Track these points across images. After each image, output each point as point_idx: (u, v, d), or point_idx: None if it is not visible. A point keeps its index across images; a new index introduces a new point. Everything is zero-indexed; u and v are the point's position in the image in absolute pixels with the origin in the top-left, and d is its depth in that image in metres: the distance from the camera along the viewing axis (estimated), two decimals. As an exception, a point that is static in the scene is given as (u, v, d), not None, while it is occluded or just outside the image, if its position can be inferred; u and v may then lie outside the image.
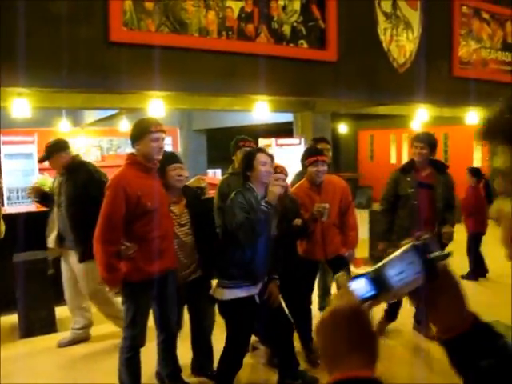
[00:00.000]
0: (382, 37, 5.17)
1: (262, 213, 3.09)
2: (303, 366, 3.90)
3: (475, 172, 6.29)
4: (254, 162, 3.27)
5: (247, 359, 3.93)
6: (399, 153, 12.96)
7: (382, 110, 7.56)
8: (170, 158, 3.51)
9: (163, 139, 3.26)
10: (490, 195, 5.94)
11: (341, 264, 4.12)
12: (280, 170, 3.77)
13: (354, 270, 4.38)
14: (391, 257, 0.90)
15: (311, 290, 4.18)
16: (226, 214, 3.26)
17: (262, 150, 3.45)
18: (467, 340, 0.83)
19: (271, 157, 3.37)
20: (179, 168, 3.47)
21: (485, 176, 6.19)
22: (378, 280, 0.89)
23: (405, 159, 12.61)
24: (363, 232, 7.48)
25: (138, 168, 3.22)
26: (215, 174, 9.15)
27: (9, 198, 7.61)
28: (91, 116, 9.15)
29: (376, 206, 9.95)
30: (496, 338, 0.80)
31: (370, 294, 0.90)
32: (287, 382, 3.66)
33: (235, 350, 3.40)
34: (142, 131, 3.24)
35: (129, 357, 3.33)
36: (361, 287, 0.91)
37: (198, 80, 4.50)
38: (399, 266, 0.88)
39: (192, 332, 3.77)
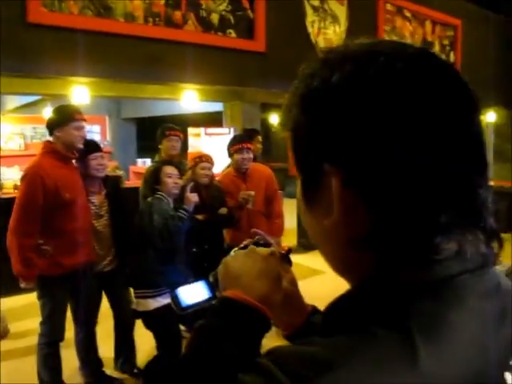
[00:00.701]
0: (309, 29, 5.27)
1: (179, 219, 3.17)
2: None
3: None
4: (160, 175, 3.33)
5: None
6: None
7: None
8: (91, 146, 3.39)
9: (84, 128, 3.18)
10: None
11: None
12: (206, 159, 3.79)
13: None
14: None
15: None
16: (143, 219, 3.23)
17: (168, 163, 3.48)
18: (303, 331, 0.90)
19: (178, 168, 3.42)
20: (100, 157, 3.37)
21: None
22: (216, 282, 0.90)
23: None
24: (292, 221, 7.64)
25: (56, 157, 3.11)
26: (145, 164, 8.98)
27: None
28: (13, 102, 8.71)
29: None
30: None
31: (208, 296, 0.92)
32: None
33: (169, 356, 3.32)
34: (64, 119, 3.12)
35: (47, 353, 3.23)
36: (197, 291, 0.93)
37: (123, 67, 4.40)
38: None
39: (114, 326, 3.72)
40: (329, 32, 5.48)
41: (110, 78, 4.64)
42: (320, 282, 4.93)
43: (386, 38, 6.23)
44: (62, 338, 3.26)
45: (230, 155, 4.09)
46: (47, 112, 8.56)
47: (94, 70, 4.28)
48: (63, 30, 3.98)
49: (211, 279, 0.93)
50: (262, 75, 5.12)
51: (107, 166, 3.53)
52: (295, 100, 0.60)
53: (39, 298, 3.19)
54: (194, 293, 0.93)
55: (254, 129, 4.91)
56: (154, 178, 3.39)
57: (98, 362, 3.59)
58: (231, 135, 6.93)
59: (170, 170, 3.36)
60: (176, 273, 3.19)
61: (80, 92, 4.96)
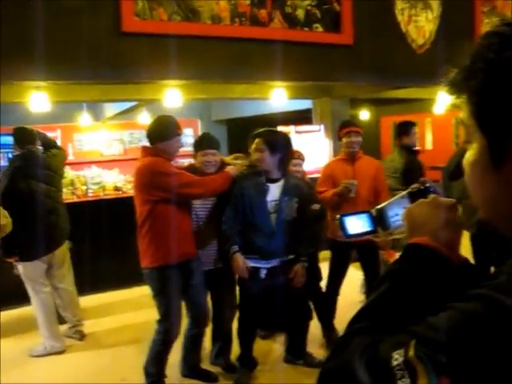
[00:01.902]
0: (399, 17, 5.04)
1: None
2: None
3: None
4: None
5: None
6: (422, 138, 12.68)
7: (403, 93, 7.40)
8: (204, 142, 3.62)
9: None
10: None
11: (372, 251, 4.01)
12: (297, 156, 3.79)
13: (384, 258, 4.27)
14: (392, 199, 1.01)
15: (341, 279, 4.09)
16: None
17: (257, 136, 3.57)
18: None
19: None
20: (211, 154, 3.52)
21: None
22: (378, 218, 0.99)
23: (429, 145, 12.37)
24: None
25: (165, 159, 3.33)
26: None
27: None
28: (111, 109, 9.20)
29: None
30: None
31: (369, 229, 0.99)
32: (289, 358, 3.83)
33: (246, 319, 3.59)
34: (170, 134, 3.31)
35: (161, 350, 3.39)
36: (361, 222, 1.00)
37: (212, 68, 4.46)
38: (396, 209, 0.98)
39: (213, 320, 3.79)
40: (420, 19, 5.20)
41: (199, 80, 4.74)
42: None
43: (486, 19, 5.81)
44: (177, 337, 3.41)
45: (339, 139, 4.18)
46: (143, 117, 8.95)
47: (185, 72, 4.38)
48: (155, 36, 4.12)
49: (374, 214, 1.01)
50: (350, 69, 4.97)
51: (217, 161, 3.62)
52: (483, 66, 0.64)
53: (155, 296, 3.33)
54: (357, 223, 1.02)
55: (351, 120, 4.92)
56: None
57: (198, 358, 3.68)
58: (321, 132, 6.88)
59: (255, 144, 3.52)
60: (257, 244, 3.40)
61: (172, 95, 5.12)
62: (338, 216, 1.03)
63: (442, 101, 6.96)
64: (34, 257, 4.19)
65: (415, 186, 1.01)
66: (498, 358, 0.54)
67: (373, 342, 0.65)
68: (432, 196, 0.92)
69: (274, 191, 3.41)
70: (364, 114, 13.67)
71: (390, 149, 14.17)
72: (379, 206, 1.01)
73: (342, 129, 4.18)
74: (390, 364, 0.58)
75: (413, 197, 0.97)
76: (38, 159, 4.29)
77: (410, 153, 4.91)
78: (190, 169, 3.62)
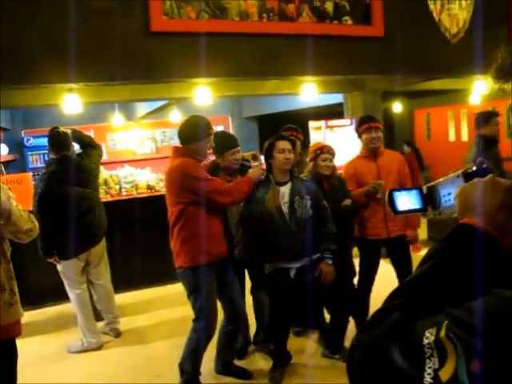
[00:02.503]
0: (431, 7, 4.91)
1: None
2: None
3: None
4: (273, 151, 3.47)
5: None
6: (458, 130, 12.40)
7: (437, 85, 7.23)
8: (230, 141, 3.66)
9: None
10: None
11: (403, 245, 3.99)
12: (327, 150, 3.75)
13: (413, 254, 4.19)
14: (445, 178, 0.97)
15: (373, 275, 4.04)
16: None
17: (281, 138, 3.56)
18: None
19: (292, 142, 3.53)
20: (237, 152, 3.62)
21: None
22: (429, 195, 0.95)
23: (464, 136, 12.07)
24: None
25: (197, 161, 3.36)
26: (267, 161, 9.10)
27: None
28: (142, 109, 9.31)
29: (435, 186, 9.62)
30: None
31: (418, 206, 0.96)
32: (326, 353, 3.86)
33: (277, 318, 3.63)
34: (202, 134, 3.34)
35: (197, 348, 3.43)
36: (411, 199, 0.96)
37: (241, 65, 4.45)
38: (449, 188, 0.94)
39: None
40: (453, 7, 5.06)
41: (229, 78, 4.73)
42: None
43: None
44: (213, 335, 3.44)
45: (359, 136, 4.08)
46: (174, 116, 9.03)
47: (215, 70, 4.38)
48: (183, 35, 4.12)
49: (425, 191, 0.97)
50: (382, 61, 4.87)
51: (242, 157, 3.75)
52: None
53: (189, 295, 3.37)
54: (407, 200, 0.98)
55: (370, 116, 4.65)
56: (267, 154, 3.54)
57: (233, 355, 3.70)
58: (353, 127, 6.77)
59: (282, 144, 3.46)
60: (281, 246, 3.40)
61: (202, 93, 5.13)
62: (388, 191, 0.99)
63: (478, 91, 6.76)
64: (71, 256, 4.28)
65: (471, 165, 0.95)
66: None
67: (406, 318, 0.66)
68: (490, 176, 0.86)
69: (285, 193, 3.46)
70: (397, 107, 13.45)
71: (423, 142, 13.91)
72: (431, 184, 0.97)
73: (360, 125, 4.06)
74: (421, 342, 0.59)
75: (467, 177, 0.92)
76: (72, 164, 4.36)
77: (488, 144, 4.56)
78: (213, 167, 3.64)
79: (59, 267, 4.36)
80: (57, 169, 4.28)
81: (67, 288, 4.40)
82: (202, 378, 3.53)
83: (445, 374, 0.56)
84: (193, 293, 3.36)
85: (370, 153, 4.01)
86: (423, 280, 0.75)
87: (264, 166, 3.53)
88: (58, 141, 4.43)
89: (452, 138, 12.70)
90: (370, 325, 0.71)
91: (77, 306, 4.41)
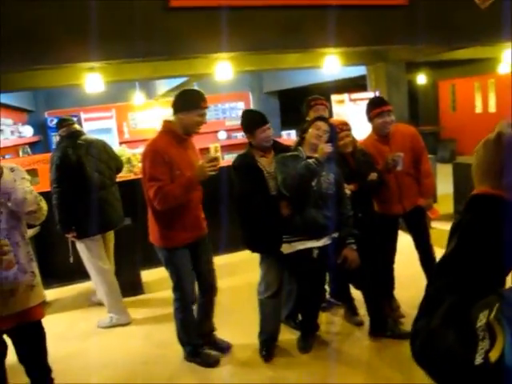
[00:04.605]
0: (459, -29, 4.72)
1: (306, 168, 3.25)
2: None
3: None
4: (310, 126, 3.47)
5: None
6: (485, 101, 12.09)
7: (463, 54, 7.01)
8: (259, 119, 3.56)
9: (206, 115, 3.35)
10: None
11: (419, 216, 3.96)
12: (341, 128, 3.69)
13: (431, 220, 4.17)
14: None
15: (394, 248, 4.01)
16: (285, 167, 3.39)
17: (322, 119, 3.54)
18: None
19: (330, 125, 3.49)
20: (267, 129, 3.52)
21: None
22: None
23: (492, 108, 11.77)
24: (447, 187, 7.13)
25: (173, 136, 3.28)
26: (290, 136, 9.03)
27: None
28: (163, 87, 9.28)
29: (462, 159, 9.41)
30: None
31: None
32: (376, 331, 3.79)
33: (306, 296, 3.67)
34: (191, 104, 3.28)
35: (181, 318, 3.53)
36: None
37: (263, 38, 4.37)
38: None
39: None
40: (483, -28, 4.85)
41: (250, 51, 4.65)
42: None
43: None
44: (193, 302, 3.54)
45: (370, 120, 3.91)
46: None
47: (236, 44, 4.31)
48: (203, 9, 4.06)
49: None
50: (405, 31, 4.73)
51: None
52: None
53: (166, 267, 3.47)
54: None
55: (381, 97, 4.46)
56: (305, 129, 3.53)
57: (211, 326, 3.83)
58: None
59: (320, 123, 3.47)
60: (307, 224, 3.37)
61: (223, 68, 5.07)
62: None
63: (508, 59, 6.54)
64: (90, 233, 4.32)
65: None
66: None
67: (460, 304, 0.68)
68: (497, 131, 0.83)
69: None
70: (420, 79, 13.16)
71: (449, 114, 13.62)
72: None
73: (372, 109, 3.85)
74: (475, 325, 0.62)
75: None
76: (81, 134, 4.50)
77: None
78: (246, 151, 3.61)
79: (81, 246, 4.39)
80: (68, 141, 4.36)
81: (92, 267, 4.42)
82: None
83: (493, 354, 0.59)
84: (168, 267, 3.46)
85: (382, 136, 3.88)
86: (457, 255, 0.76)
87: (218, 164, 3.21)
88: (60, 120, 4.58)
89: (479, 109, 12.40)
90: (425, 311, 0.76)
91: (104, 284, 4.45)
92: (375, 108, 3.84)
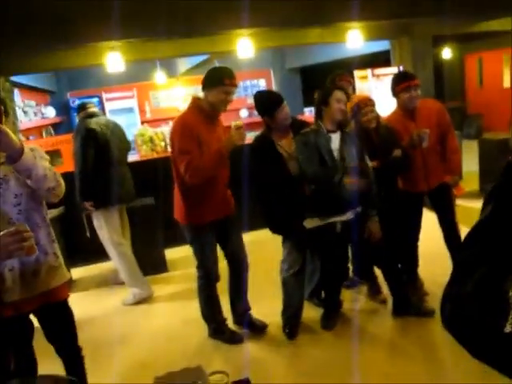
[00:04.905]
0: None
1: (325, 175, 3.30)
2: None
3: None
4: (329, 99, 3.37)
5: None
6: (514, 75, 11.73)
7: (490, 25, 6.79)
8: (276, 99, 3.50)
9: (233, 93, 3.30)
10: None
11: (444, 193, 3.89)
12: (364, 104, 3.62)
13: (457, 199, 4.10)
14: None
15: (418, 225, 3.96)
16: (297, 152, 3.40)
17: (339, 88, 3.46)
18: None
19: (348, 95, 3.43)
20: (285, 107, 3.47)
21: None
22: None
23: (521, 82, 11.42)
24: (472, 164, 6.99)
25: (201, 113, 3.26)
26: (311, 113, 8.92)
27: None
28: (184, 65, 9.24)
29: (488, 135, 9.19)
30: None
31: None
32: (398, 311, 3.76)
33: (329, 271, 3.68)
34: (216, 81, 3.24)
35: (205, 295, 3.57)
36: None
37: (285, 13, 4.29)
38: None
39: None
40: None
41: (273, 27, 4.59)
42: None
43: None
44: (217, 279, 3.55)
45: (395, 94, 3.80)
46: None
47: (257, 20, 4.25)
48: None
49: None
50: (432, 2, 4.59)
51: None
52: None
53: (190, 244, 3.47)
54: None
55: (407, 72, 4.30)
56: (322, 100, 3.43)
57: (247, 304, 3.81)
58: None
59: (339, 95, 3.39)
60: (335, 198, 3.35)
61: (244, 45, 5.01)
62: None
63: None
64: (109, 203, 4.44)
65: None
66: None
67: (493, 269, 0.69)
68: None
69: (335, 141, 3.39)
70: (446, 53, 12.82)
71: (475, 89, 13.29)
72: None
73: (398, 83, 3.73)
74: (507, 294, 0.64)
75: None
76: (100, 114, 4.66)
77: None
78: (266, 138, 3.56)
79: (98, 219, 4.48)
80: (89, 120, 4.44)
81: (109, 241, 4.51)
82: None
83: None
84: (192, 244, 3.47)
85: (407, 112, 3.77)
86: (491, 222, 0.75)
87: (244, 133, 3.18)
88: (79, 105, 4.68)
89: (507, 84, 12.05)
90: (457, 276, 0.75)
91: (122, 261, 4.53)
92: (402, 82, 3.73)
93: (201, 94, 3.34)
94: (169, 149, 6.36)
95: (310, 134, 3.39)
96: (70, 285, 2.58)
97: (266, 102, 3.51)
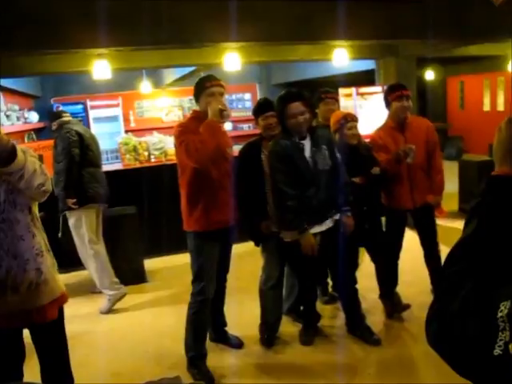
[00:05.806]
0: (474, -34, 4.67)
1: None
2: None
3: None
4: (284, 117, 3.32)
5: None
6: (494, 99, 12.00)
7: (473, 50, 6.95)
8: (261, 106, 3.58)
9: (222, 94, 3.22)
10: None
11: (428, 213, 3.93)
12: (351, 118, 3.67)
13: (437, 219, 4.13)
14: None
15: (399, 244, 3.98)
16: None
17: (291, 99, 3.35)
18: None
19: (305, 102, 3.34)
20: (270, 117, 3.49)
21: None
22: None
23: (500, 106, 11.69)
24: (452, 185, 7.09)
25: (201, 122, 3.18)
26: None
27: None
28: (170, 76, 9.25)
29: (468, 157, 9.35)
30: None
31: None
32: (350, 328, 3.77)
33: (305, 283, 3.66)
34: (200, 88, 3.26)
35: (197, 318, 3.32)
36: None
37: (273, 29, 4.34)
38: None
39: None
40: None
41: (259, 41, 4.63)
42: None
43: None
44: (209, 298, 3.33)
45: (388, 104, 3.87)
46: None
47: (245, 34, 4.28)
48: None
49: None
50: (418, 25, 4.68)
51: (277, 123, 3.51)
52: None
53: (190, 253, 3.34)
54: None
55: (400, 84, 4.35)
56: (281, 117, 3.38)
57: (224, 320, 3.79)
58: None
59: (294, 108, 3.29)
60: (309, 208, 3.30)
61: (232, 59, 5.04)
62: None
63: (518, 57, 6.50)
64: (91, 200, 4.54)
65: None
66: None
67: (479, 289, 0.68)
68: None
69: (307, 147, 3.36)
70: (429, 75, 13.06)
71: (456, 111, 13.54)
72: None
73: (391, 92, 3.83)
74: (495, 315, 0.63)
75: None
76: (76, 123, 4.80)
77: None
78: (255, 145, 3.59)
79: (75, 219, 4.50)
80: (71, 125, 4.62)
81: (87, 241, 4.52)
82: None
83: None
84: (193, 254, 3.33)
85: (398, 124, 3.84)
86: (474, 238, 0.75)
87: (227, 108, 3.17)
88: (54, 114, 4.91)
89: (487, 107, 12.31)
90: (444, 292, 0.73)
91: (96, 259, 4.54)
92: (395, 91, 3.82)
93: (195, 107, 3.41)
94: (152, 159, 6.36)
95: (283, 142, 3.35)
96: (65, 301, 2.33)
97: (255, 106, 3.64)
